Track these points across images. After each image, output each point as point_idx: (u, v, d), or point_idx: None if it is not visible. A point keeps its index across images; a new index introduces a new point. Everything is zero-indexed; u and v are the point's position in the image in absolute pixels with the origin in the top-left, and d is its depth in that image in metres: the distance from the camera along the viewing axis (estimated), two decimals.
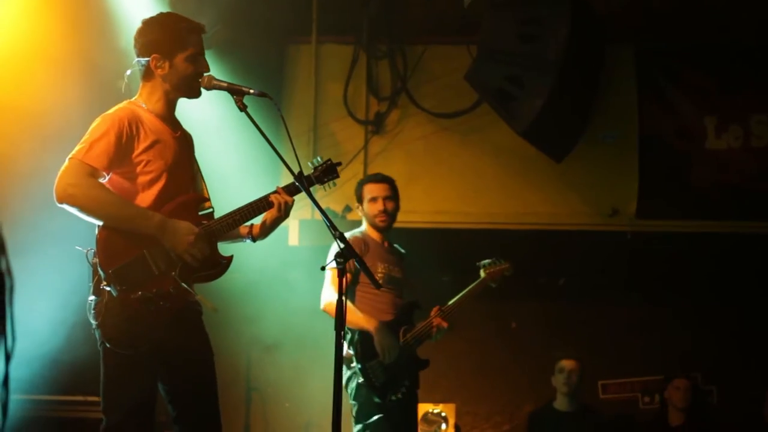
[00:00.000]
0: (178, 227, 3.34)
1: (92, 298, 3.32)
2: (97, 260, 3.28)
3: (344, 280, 3.27)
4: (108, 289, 3.25)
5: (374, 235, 5.28)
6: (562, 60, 5.54)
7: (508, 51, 5.74)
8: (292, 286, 6.58)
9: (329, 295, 4.99)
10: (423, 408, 6.60)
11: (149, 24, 3.47)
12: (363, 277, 5.05)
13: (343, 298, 3.32)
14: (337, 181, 3.73)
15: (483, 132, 6.76)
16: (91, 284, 3.32)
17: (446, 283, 7.22)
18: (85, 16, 5.60)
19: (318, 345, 6.65)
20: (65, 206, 3.24)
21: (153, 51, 3.40)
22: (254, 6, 6.33)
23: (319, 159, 3.71)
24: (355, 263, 3.48)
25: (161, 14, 3.54)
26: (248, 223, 3.60)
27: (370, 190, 5.24)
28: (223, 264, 3.51)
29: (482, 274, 5.55)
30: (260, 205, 3.53)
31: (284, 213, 3.54)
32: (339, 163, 3.74)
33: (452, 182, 6.87)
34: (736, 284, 6.85)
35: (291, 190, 3.57)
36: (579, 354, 6.47)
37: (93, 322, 3.31)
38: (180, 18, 3.50)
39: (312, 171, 3.66)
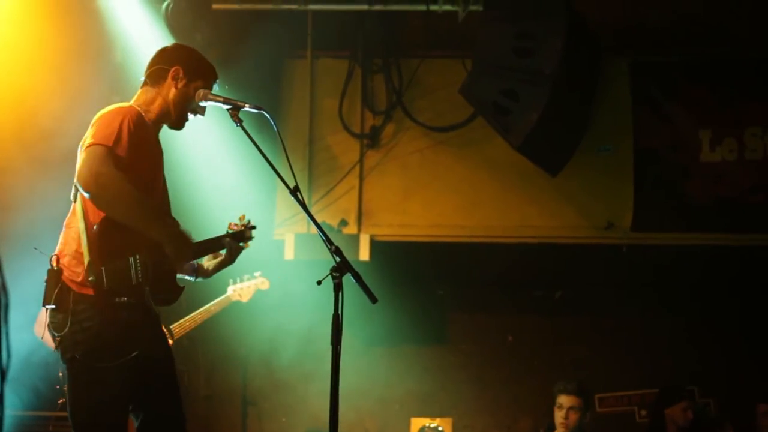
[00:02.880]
0: (188, 236, 3.38)
1: (51, 307, 3.13)
2: (88, 258, 3.13)
3: (341, 294, 3.23)
4: (87, 286, 3.11)
5: None
6: (557, 73, 5.55)
7: (503, 65, 5.75)
8: (288, 300, 6.56)
9: None
10: (420, 422, 6.59)
11: (183, 46, 3.65)
12: None
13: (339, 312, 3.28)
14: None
15: (478, 145, 6.77)
16: (53, 292, 3.13)
17: (441, 297, 7.24)
18: (82, 32, 5.61)
19: (314, 359, 6.66)
20: (89, 194, 3.12)
21: (179, 64, 3.48)
22: (250, 21, 6.34)
23: (242, 220, 3.80)
24: None
25: (195, 49, 3.65)
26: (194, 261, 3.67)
27: None
28: (179, 290, 3.50)
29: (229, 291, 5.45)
30: (214, 245, 3.66)
31: (233, 260, 3.71)
32: (254, 227, 3.83)
33: (448, 196, 6.87)
34: (731, 297, 6.85)
35: (239, 237, 3.72)
36: (582, 386, 5.55)
37: (55, 333, 3.12)
38: (208, 60, 3.63)
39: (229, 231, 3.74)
